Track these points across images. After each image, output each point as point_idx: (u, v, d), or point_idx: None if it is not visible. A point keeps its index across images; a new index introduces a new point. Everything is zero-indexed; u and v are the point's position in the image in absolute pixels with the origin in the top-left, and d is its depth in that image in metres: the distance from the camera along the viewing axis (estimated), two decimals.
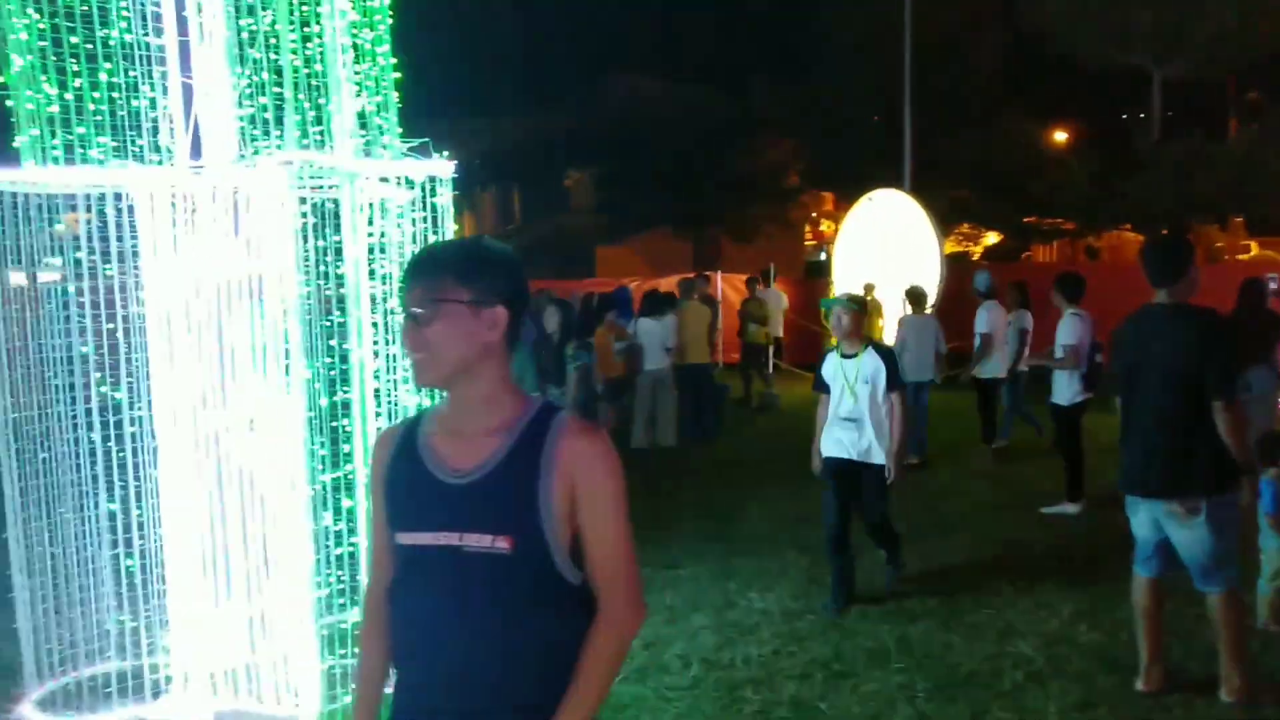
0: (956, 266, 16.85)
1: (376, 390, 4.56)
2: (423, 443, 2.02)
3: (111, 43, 4.18)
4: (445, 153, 4.24)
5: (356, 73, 4.44)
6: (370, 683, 2.12)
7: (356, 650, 2.20)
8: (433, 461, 1.99)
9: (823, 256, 28.64)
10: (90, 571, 4.63)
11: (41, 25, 4.11)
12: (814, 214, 35.49)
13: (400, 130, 4.54)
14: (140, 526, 4.64)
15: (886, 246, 15.33)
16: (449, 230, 4.28)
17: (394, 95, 4.55)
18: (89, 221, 4.58)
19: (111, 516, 4.62)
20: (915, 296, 10.12)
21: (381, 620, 2.08)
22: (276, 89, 4.26)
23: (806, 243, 35.28)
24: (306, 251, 4.45)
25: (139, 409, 4.61)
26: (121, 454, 4.65)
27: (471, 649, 1.91)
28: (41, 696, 4.44)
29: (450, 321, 1.92)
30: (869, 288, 15.24)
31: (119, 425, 4.59)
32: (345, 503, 4.53)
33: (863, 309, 5.81)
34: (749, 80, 26.72)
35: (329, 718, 4.15)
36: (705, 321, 11.36)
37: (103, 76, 4.18)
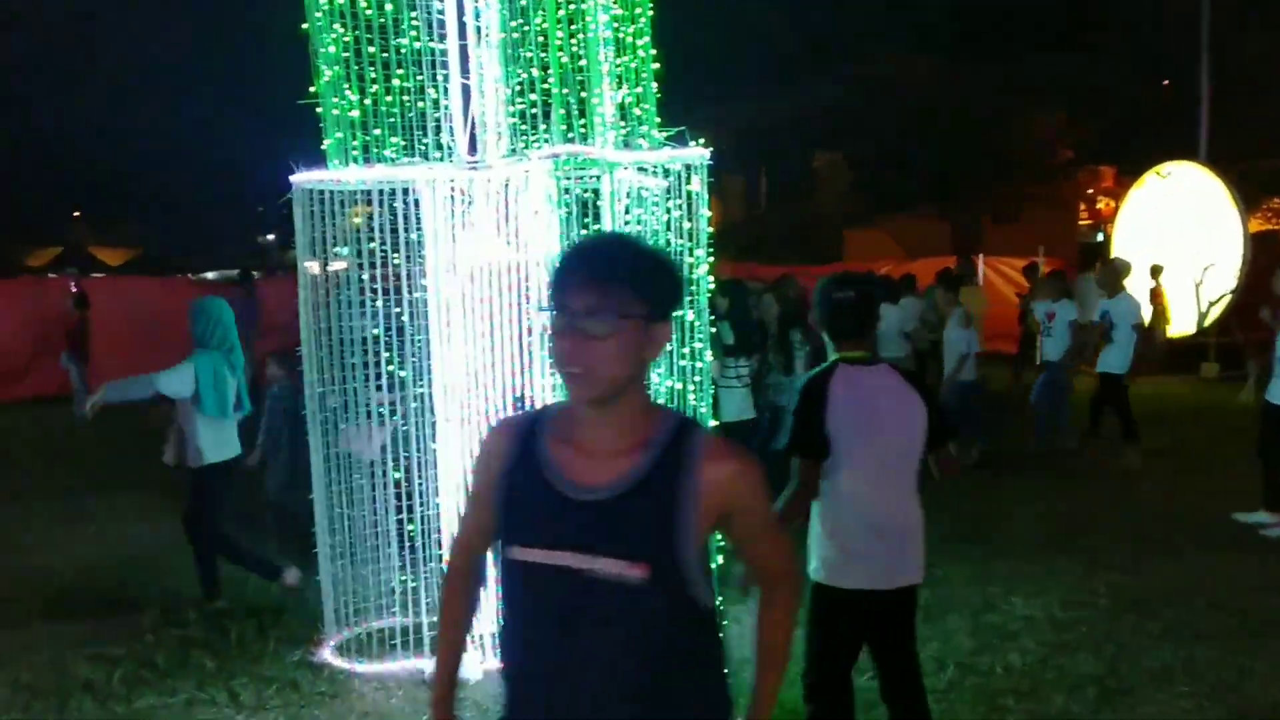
0: (1270, 246, 14.98)
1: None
2: (543, 448, 1.86)
3: (403, 50, 4.56)
4: (701, 140, 4.29)
5: (617, 66, 4.59)
6: (451, 655, 2.11)
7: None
8: (555, 472, 1.83)
9: (1099, 238, 26.45)
10: (378, 533, 5.10)
11: (346, 39, 4.54)
12: (1089, 191, 32.87)
13: (658, 119, 4.64)
14: (421, 494, 5.06)
15: (1177, 225, 13.95)
16: (704, 216, 4.33)
17: (653, 86, 4.65)
18: (378, 215, 5.03)
19: (396, 484, 5.07)
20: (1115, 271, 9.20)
21: (463, 596, 2.10)
22: (545, 85, 4.47)
23: (1081, 223, 32.72)
24: (569, 239, 4.65)
25: (421, 386, 5.02)
26: (405, 427, 5.09)
27: (594, 682, 1.80)
28: (339, 643, 4.95)
29: (624, 339, 1.75)
30: (1156, 270, 13.90)
31: (403, 400, 5.04)
32: None
33: None
34: (1014, 49, 25.08)
35: None
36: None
37: (395, 82, 4.57)
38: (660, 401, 4.31)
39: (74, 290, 14.17)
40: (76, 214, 50.44)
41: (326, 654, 4.88)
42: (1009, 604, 5.44)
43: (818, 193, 31.32)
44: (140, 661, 4.88)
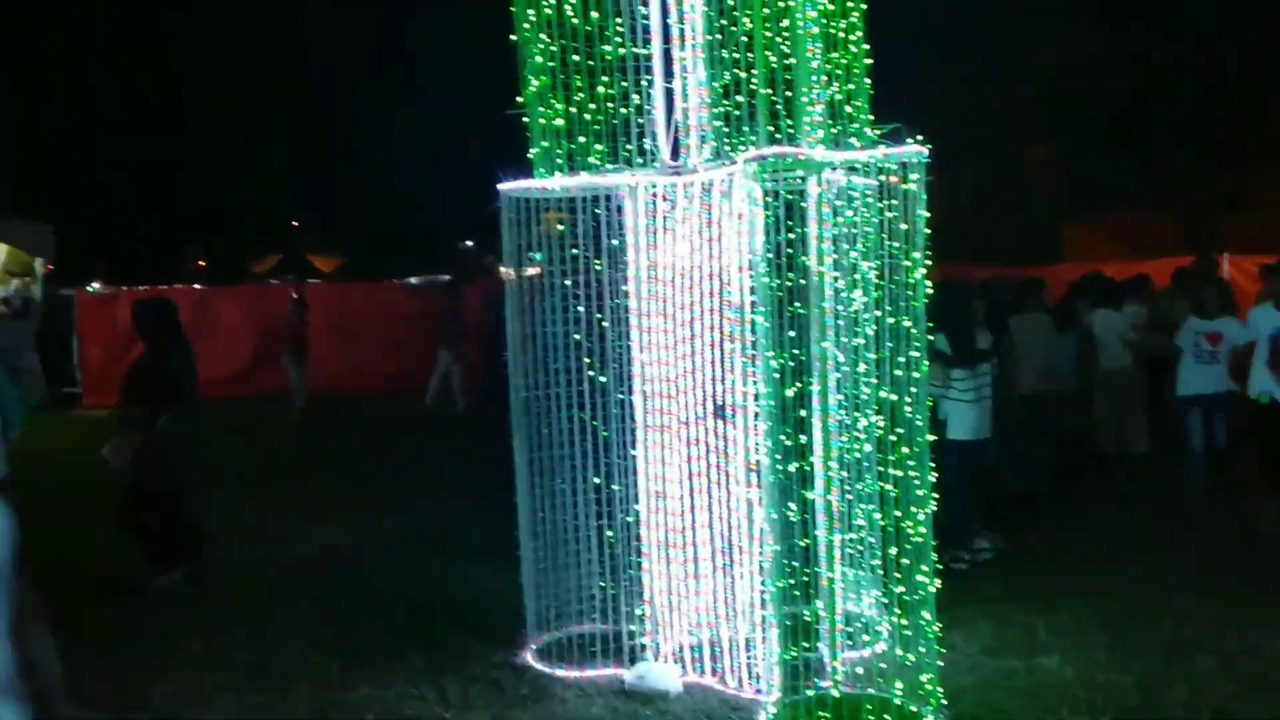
0: None
1: (838, 381, 4.50)
2: None
3: (607, 57, 4.54)
4: (919, 137, 4.04)
5: (827, 62, 4.40)
6: None
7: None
8: None
9: None
10: (578, 539, 5.12)
11: (553, 48, 4.57)
12: None
13: (870, 116, 4.43)
14: (620, 501, 5.04)
15: None
16: (921, 217, 4.07)
17: (866, 82, 4.44)
18: (577, 222, 5.06)
19: (596, 490, 5.08)
20: None
21: None
22: (750, 85, 4.34)
23: None
24: (774, 243, 4.49)
25: (621, 392, 5.01)
26: (606, 433, 5.09)
27: None
28: (540, 646, 5.00)
29: None
30: None
31: (604, 407, 5.04)
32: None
33: None
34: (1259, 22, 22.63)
35: (790, 709, 4.17)
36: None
37: (599, 89, 4.56)
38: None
39: (294, 295, 15.20)
40: (295, 223, 54.53)
41: (528, 657, 4.94)
42: (1270, 646, 4.85)
43: (1030, 188, 29.47)
44: (355, 652, 5.09)
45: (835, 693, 4.11)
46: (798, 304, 4.63)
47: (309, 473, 9.85)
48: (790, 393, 4.34)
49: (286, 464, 10.52)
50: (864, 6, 4.44)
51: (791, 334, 4.57)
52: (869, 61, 4.49)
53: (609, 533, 5.08)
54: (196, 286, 17.40)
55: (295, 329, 13.95)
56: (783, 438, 4.26)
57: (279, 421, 13.29)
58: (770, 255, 4.33)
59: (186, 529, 6.38)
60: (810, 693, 4.17)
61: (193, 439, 6.58)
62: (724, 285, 4.57)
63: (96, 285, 16.90)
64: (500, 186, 4.98)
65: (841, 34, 4.38)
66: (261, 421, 13.53)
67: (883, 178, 4.13)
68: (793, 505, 4.32)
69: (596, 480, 5.08)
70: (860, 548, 4.85)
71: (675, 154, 4.69)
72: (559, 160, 4.75)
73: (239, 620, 5.59)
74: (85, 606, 5.82)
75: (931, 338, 4.57)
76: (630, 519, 4.99)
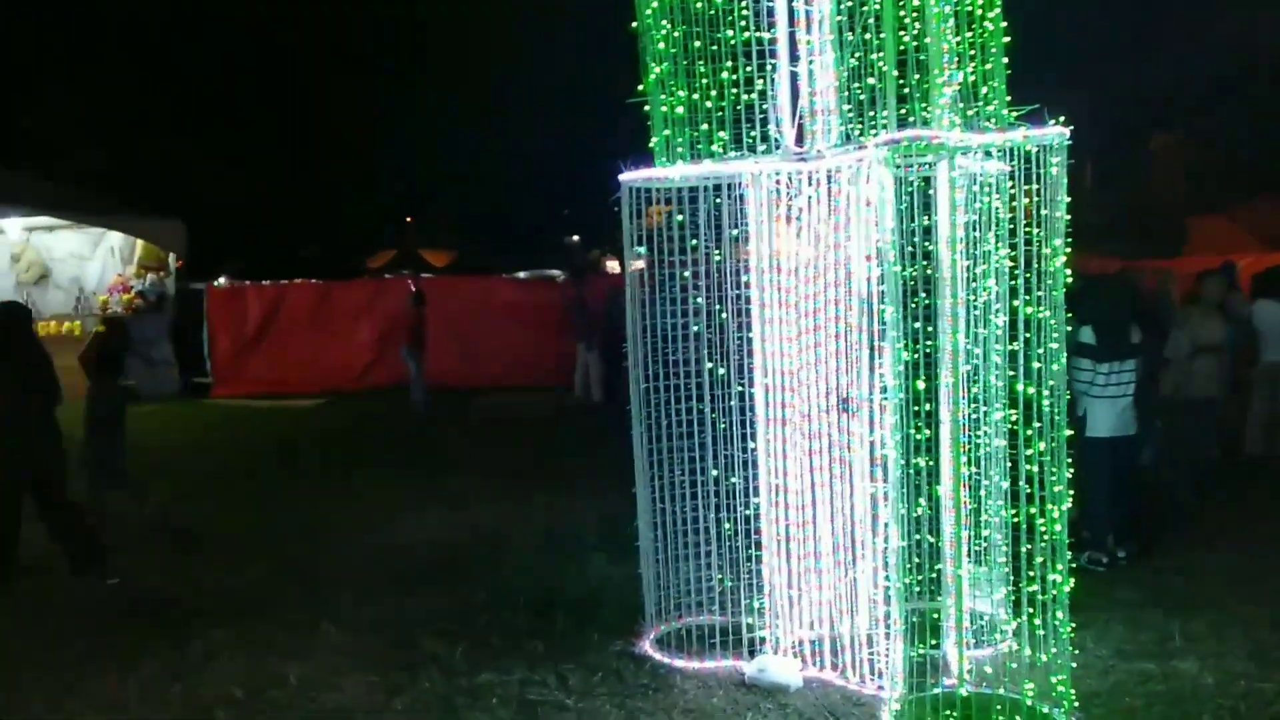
0: None
1: (968, 374, 4.35)
2: None
3: (731, 42, 4.48)
4: (1061, 118, 3.86)
5: (959, 43, 4.25)
6: None
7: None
8: None
9: None
10: (696, 530, 5.09)
11: (675, 34, 4.53)
12: None
13: (1008, 98, 4.25)
14: (739, 493, 4.99)
15: None
16: (1062, 203, 3.89)
17: (1003, 62, 4.27)
18: (703, 208, 5.01)
19: (715, 482, 5.04)
20: None
21: None
22: (880, 67, 4.23)
23: None
24: (903, 231, 4.37)
25: (741, 384, 4.95)
26: (724, 424, 5.05)
27: None
28: (658, 637, 5.00)
29: None
30: None
31: (724, 399, 4.99)
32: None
33: None
34: None
35: (916, 706, 4.06)
36: None
37: (723, 75, 4.50)
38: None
39: (413, 289, 15.57)
40: (409, 219, 56.13)
41: (646, 647, 4.94)
42: None
43: (1154, 177, 28.14)
44: (477, 639, 5.18)
45: (963, 691, 3.97)
46: (925, 295, 4.51)
47: (431, 465, 10.07)
48: (918, 385, 4.21)
49: (407, 456, 10.79)
50: None
51: (920, 325, 4.45)
52: (1006, 40, 4.31)
53: (726, 525, 5.05)
54: (315, 281, 17.97)
55: (414, 322, 14.28)
56: (910, 432, 4.15)
57: (399, 414, 13.65)
58: (900, 243, 4.21)
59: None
60: (936, 691, 4.05)
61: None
62: (850, 275, 4.47)
63: (223, 280, 17.65)
64: (621, 177, 4.97)
65: (978, 11, 4.21)
66: (382, 414, 13.93)
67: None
68: (922, 501, 4.20)
69: (715, 472, 5.05)
70: (986, 544, 4.71)
71: (800, 140, 4.59)
72: (680, 149, 4.72)
73: (370, 606, 5.74)
74: (215, 576, 6.11)
75: (1072, 329, 4.38)
76: (749, 512, 4.94)
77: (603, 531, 6.93)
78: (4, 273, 16.77)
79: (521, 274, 22.71)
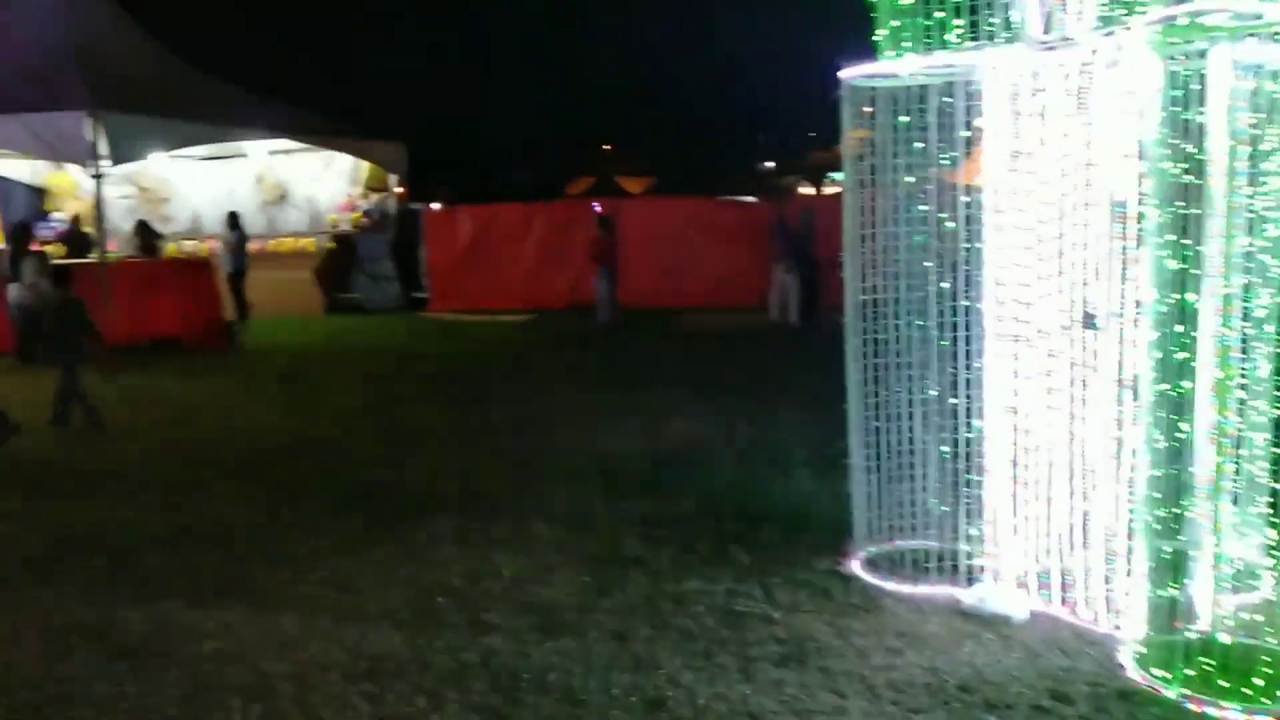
0: None
1: (1227, 295, 3.86)
2: None
3: None
4: None
5: None
6: None
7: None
8: None
9: None
10: (913, 451, 4.86)
11: None
12: None
13: None
14: (962, 414, 4.70)
15: None
16: None
17: None
18: (933, 110, 4.65)
19: (937, 401, 4.77)
20: None
21: None
22: None
23: None
24: (1167, 126, 3.88)
25: (969, 298, 4.62)
26: (946, 342, 4.75)
27: None
28: (868, 557, 4.83)
29: None
30: None
31: (950, 313, 4.68)
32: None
33: None
34: None
35: (1164, 650, 3.73)
36: None
37: None
38: None
39: (600, 212, 15.74)
40: (606, 147, 56.86)
41: (856, 567, 4.79)
42: None
43: None
44: (683, 546, 5.19)
45: (1225, 637, 3.61)
46: (1188, 201, 4.01)
47: (631, 379, 10.21)
48: (1180, 297, 3.77)
49: (608, 370, 10.98)
50: None
51: (1180, 236, 3.97)
52: None
53: (945, 448, 4.78)
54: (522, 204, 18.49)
55: (603, 246, 14.42)
56: (1170, 350, 3.73)
57: (595, 332, 13.92)
58: (1164, 140, 3.74)
59: None
60: (1189, 635, 3.70)
61: None
62: (1103, 176, 4.03)
63: (436, 205, 18.44)
64: (842, 73, 4.68)
65: None
66: (585, 331, 14.24)
67: None
68: (1184, 426, 3.79)
69: (934, 392, 4.78)
70: (1244, 483, 4.22)
71: (1046, 27, 4.15)
72: (908, 41, 4.37)
73: (578, 507, 5.87)
74: (434, 470, 6.43)
75: None
76: (971, 434, 4.65)
77: (807, 448, 6.78)
78: (249, 193, 18.18)
79: (721, 198, 22.47)
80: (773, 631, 4.19)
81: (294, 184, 18.41)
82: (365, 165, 17.80)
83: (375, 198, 18.23)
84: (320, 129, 15.98)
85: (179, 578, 4.86)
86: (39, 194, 19.13)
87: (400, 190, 18.08)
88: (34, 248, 12.64)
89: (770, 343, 12.75)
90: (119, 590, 4.70)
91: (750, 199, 23.36)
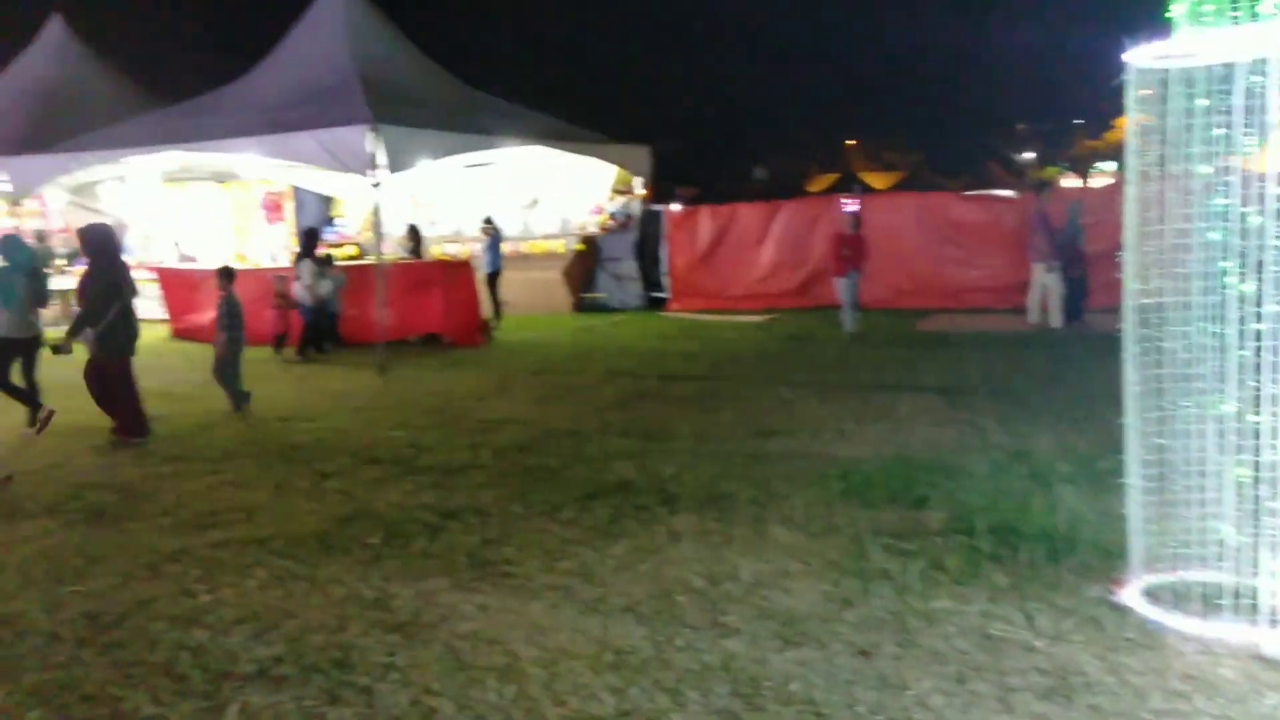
0: None
1: None
2: None
3: None
4: None
5: None
6: None
7: None
8: None
9: None
10: (1203, 473, 4.36)
11: None
12: None
13: None
14: (1264, 435, 4.17)
15: None
16: None
17: None
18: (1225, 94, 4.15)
19: (1231, 419, 4.26)
20: None
21: None
22: None
23: None
24: None
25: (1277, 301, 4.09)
26: (1246, 353, 4.23)
27: None
28: (1146, 587, 4.39)
29: None
30: None
31: (1253, 320, 4.16)
32: None
33: None
34: None
35: None
36: None
37: None
38: None
39: (850, 208, 15.34)
40: (850, 142, 55.65)
41: (1131, 597, 4.37)
42: None
43: None
44: (932, 561, 4.94)
45: None
46: None
47: (873, 383, 9.93)
48: None
49: (849, 373, 10.72)
50: None
51: None
52: None
53: (1241, 470, 4.25)
54: (764, 202, 18.40)
55: (853, 244, 14.08)
56: None
57: (840, 332, 13.62)
58: None
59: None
60: None
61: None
62: None
63: (675, 205, 18.71)
64: (1127, 56, 4.27)
65: None
66: (824, 331, 13.99)
67: None
68: None
69: (1231, 408, 4.26)
70: None
71: None
72: (1210, 15, 3.92)
73: (819, 513, 5.74)
74: (675, 467, 6.49)
75: None
76: (1277, 457, 4.11)
77: (1070, 463, 6.30)
78: (505, 198, 19.22)
79: (967, 193, 21.49)
80: (1034, 661, 3.89)
81: (546, 189, 19.27)
82: (613, 168, 18.36)
83: (621, 200, 18.77)
84: (571, 135, 16.64)
85: (442, 559, 5.17)
86: (327, 202, 21.18)
87: (644, 192, 18.51)
88: (319, 251, 13.95)
89: (1028, 347, 11.98)
90: (390, 567, 5.07)
91: (1005, 193, 22.07)
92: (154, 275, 17.17)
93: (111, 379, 8.14)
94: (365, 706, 3.65)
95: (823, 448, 7.33)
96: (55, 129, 15.90)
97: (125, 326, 8.16)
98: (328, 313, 13.07)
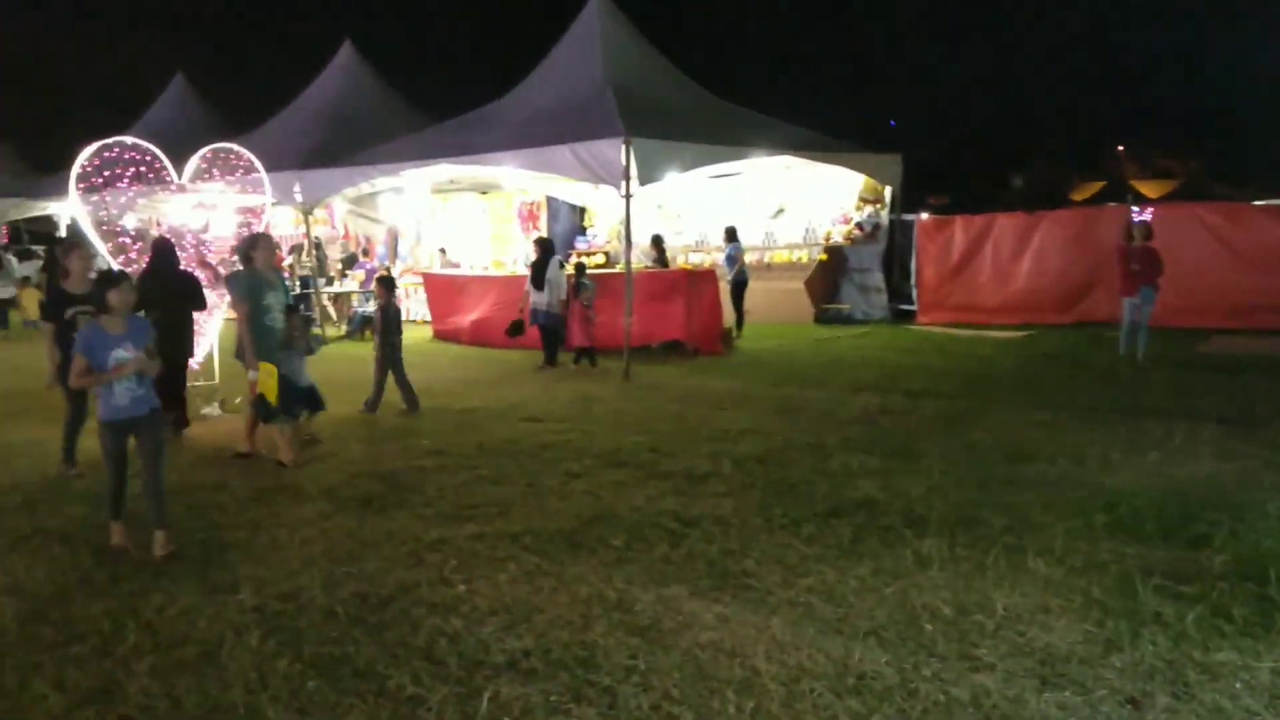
0: None
1: None
2: None
3: None
4: None
5: None
6: None
7: None
8: None
9: None
10: None
11: None
12: None
13: None
14: None
15: None
16: None
17: None
18: None
19: None
20: None
21: None
22: None
23: None
24: None
25: None
26: None
27: None
28: None
29: None
30: None
31: None
32: None
33: None
34: None
35: None
36: None
37: None
38: None
39: (1138, 221, 14.13)
40: (1120, 147, 51.51)
41: None
42: None
43: None
44: (1214, 608, 4.46)
45: None
46: None
47: (1144, 408, 9.12)
48: None
49: (1116, 396, 9.91)
50: None
51: None
52: None
53: None
54: (1024, 213, 17.37)
55: (1142, 255, 12.98)
56: None
57: (1109, 351, 12.62)
58: None
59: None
60: None
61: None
62: None
63: (925, 215, 18.01)
64: None
65: None
66: (1091, 350, 13.03)
67: None
68: None
69: None
70: None
71: None
72: None
73: (1082, 546, 5.33)
74: (923, 488, 6.23)
75: None
76: None
77: None
78: (750, 208, 19.28)
79: (1258, 203, 19.38)
80: None
81: (792, 198, 19.16)
82: (861, 178, 17.98)
83: (869, 209, 18.34)
84: (821, 144, 16.44)
85: (682, 566, 5.23)
86: (579, 212, 22.13)
87: (892, 201, 18.00)
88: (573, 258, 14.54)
89: None
90: (632, 570, 5.19)
91: None
92: (419, 279, 18.63)
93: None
94: (608, 707, 3.75)
95: (1086, 476, 6.80)
96: (341, 145, 17.54)
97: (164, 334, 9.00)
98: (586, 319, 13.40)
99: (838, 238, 18.38)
